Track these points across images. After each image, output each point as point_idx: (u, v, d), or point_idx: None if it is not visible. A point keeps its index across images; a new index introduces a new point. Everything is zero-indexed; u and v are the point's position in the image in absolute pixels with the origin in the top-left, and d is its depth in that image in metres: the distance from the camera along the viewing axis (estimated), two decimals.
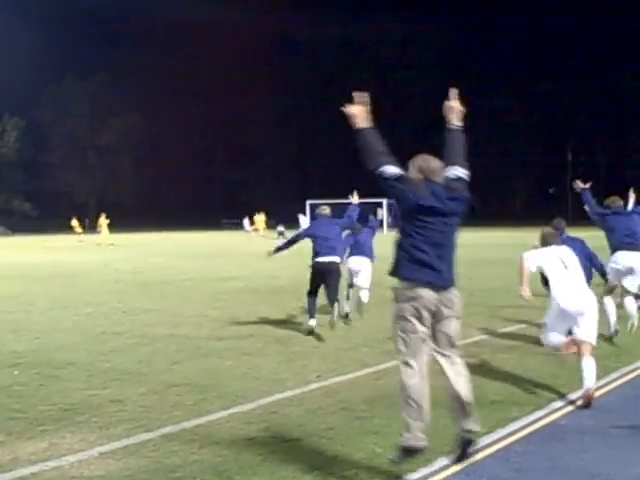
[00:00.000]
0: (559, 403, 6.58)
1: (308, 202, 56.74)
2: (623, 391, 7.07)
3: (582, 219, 53.32)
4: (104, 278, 19.94)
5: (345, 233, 11.75)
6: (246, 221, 58.18)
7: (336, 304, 10.42)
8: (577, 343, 6.89)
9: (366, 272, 12.23)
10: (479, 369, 8.05)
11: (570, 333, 7.07)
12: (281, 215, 56.39)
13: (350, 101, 4.91)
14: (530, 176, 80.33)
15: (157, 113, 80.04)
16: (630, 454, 5.30)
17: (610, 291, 10.00)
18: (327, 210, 11.20)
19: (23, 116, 79.21)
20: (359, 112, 4.82)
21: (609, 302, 9.90)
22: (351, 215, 11.13)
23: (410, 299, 4.74)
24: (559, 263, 7.01)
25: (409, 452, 4.81)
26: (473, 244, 33.71)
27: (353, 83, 58.69)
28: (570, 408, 6.44)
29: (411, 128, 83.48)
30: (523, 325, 11.00)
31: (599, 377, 7.47)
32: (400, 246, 4.90)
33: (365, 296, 12.21)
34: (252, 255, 27.38)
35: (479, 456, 5.26)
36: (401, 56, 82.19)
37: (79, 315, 12.77)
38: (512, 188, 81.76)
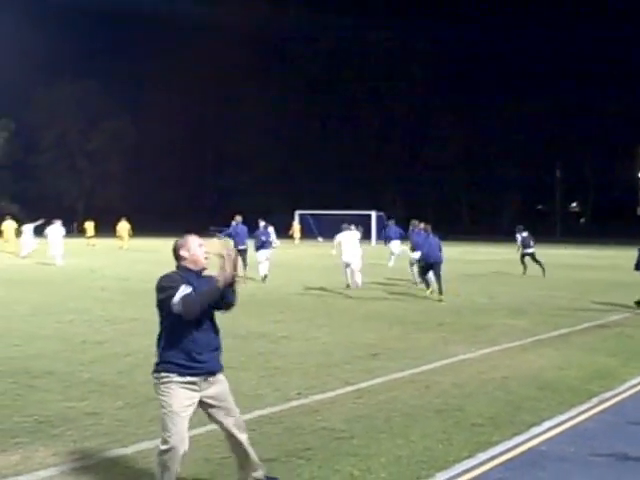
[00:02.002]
0: (539, 428, 6.52)
1: (297, 212, 56.78)
2: (604, 417, 7.01)
3: (569, 235, 53.39)
4: (89, 284, 19.76)
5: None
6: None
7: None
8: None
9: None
10: (462, 389, 8.01)
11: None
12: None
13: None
14: (519, 193, 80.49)
15: (147, 118, 79.80)
16: None
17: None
18: (239, 218, 21.26)
19: (13, 118, 78.92)
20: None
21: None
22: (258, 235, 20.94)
23: None
24: (344, 239, 18.53)
25: None
26: (460, 259, 33.69)
27: (345, 94, 58.73)
28: (551, 434, 6.38)
29: (400, 137, 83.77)
30: (509, 344, 10.95)
31: (576, 404, 7.45)
32: None
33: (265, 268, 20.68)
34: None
35: None
36: (393, 67, 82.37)
37: (61, 322, 12.63)
38: (501, 204, 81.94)
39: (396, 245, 25.57)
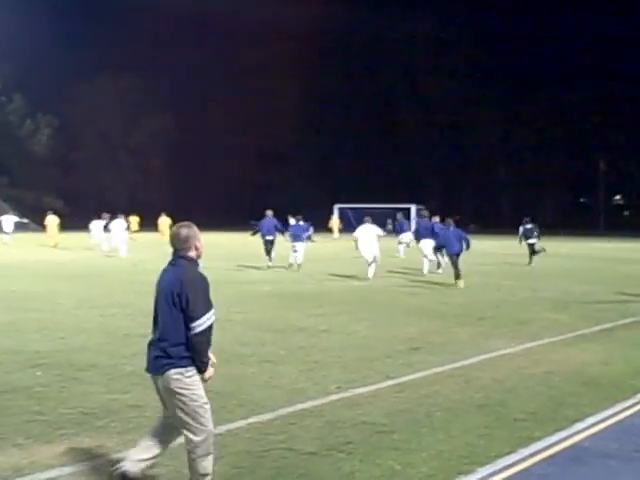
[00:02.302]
0: (583, 424, 6.44)
1: (336, 206, 56.87)
2: None
3: (613, 228, 52.92)
4: (131, 278, 19.98)
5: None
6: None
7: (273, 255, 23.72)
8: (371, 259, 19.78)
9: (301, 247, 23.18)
10: (503, 384, 7.94)
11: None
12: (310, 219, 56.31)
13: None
14: (562, 185, 79.39)
15: (188, 114, 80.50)
16: None
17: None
18: (270, 212, 23.86)
19: (56, 115, 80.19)
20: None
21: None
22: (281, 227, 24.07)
23: None
24: (361, 233, 19.90)
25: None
26: (502, 253, 33.42)
27: (384, 87, 58.58)
28: (594, 430, 6.30)
29: (440, 131, 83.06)
30: (551, 339, 10.83)
31: (620, 400, 7.33)
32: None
33: (300, 257, 23.02)
34: (277, 258, 27.37)
35: (499, 477, 5.18)
36: (432, 60, 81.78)
37: (104, 316, 12.81)
38: (543, 197, 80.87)
39: (407, 236, 28.75)
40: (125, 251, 29.67)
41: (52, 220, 37.21)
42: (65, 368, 8.52)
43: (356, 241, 20.17)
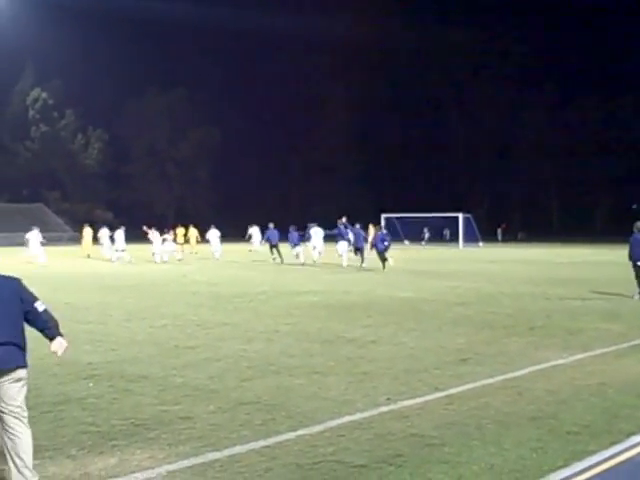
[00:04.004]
0: (638, 437, 6.28)
1: (383, 215, 56.72)
2: None
3: None
4: (181, 289, 20.22)
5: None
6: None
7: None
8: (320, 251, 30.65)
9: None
10: (556, 396, 7.81)
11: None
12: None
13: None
14: (612, 191, 77.91)
15: (234, 126, 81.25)
16: None
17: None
18: (272, 224, 32.18)
19: (106, 129, 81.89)
20: None
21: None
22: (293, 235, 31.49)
23: None
24: (315, 233, 30.78)
25: None
26: (551, 261, 32.93)
27: (429, 97, 58.23)
28: None
29: (487, 139, 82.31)
30: (603, 350, 10.61)
31: None
32: None
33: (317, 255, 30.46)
34: (325, 268, 27.40)
35: None
36: (477, 68, 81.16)
37: (154, 327, 12.97)
38: (593, 203, 79.45)
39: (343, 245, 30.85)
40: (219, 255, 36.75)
41: (88, 232, 39.08)
42: (117, 379, 8.64)
43: (310, 239, 30.19)
